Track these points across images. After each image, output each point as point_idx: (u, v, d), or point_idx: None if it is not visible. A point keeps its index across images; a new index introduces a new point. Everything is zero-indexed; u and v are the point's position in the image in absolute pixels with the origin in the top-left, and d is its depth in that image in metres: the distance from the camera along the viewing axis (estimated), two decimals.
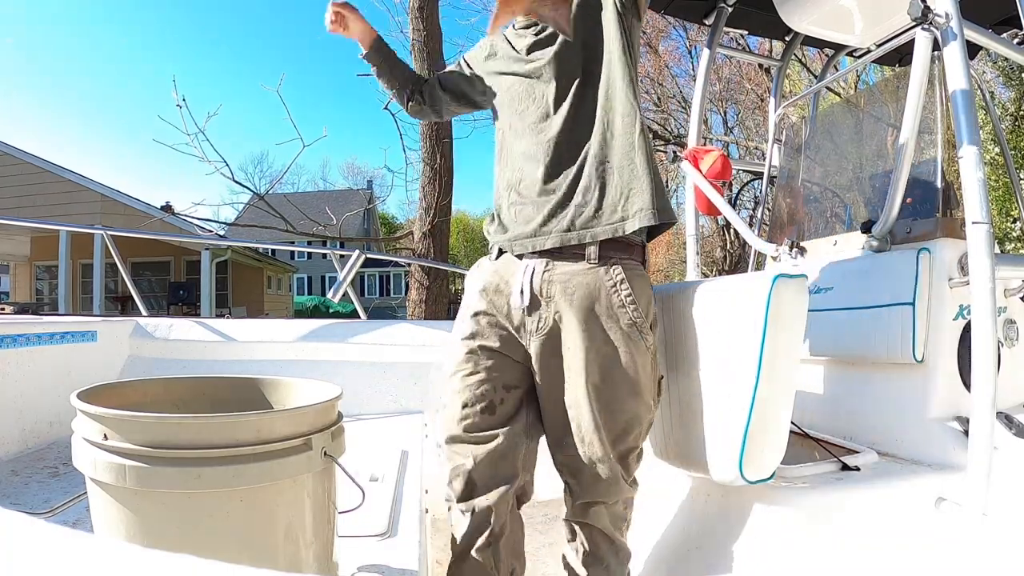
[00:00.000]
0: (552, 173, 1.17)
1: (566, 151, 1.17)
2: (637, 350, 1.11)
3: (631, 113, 1.16)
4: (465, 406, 1.14)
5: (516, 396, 1.18)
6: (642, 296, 1.13)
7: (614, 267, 1.12)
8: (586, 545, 1.22)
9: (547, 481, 1.27)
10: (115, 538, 0.69)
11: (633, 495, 1.22)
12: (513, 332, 1.17)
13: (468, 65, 1.40)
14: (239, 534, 0.71)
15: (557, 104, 1.19)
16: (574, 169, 1.16)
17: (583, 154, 1.16)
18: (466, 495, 1.12)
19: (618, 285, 1.11)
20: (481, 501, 1.12)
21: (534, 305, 1.14)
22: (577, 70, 1.19)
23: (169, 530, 0.69)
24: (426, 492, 1.58)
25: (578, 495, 1.20)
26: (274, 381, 0.98)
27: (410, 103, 1.47)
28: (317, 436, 0.77)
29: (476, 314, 1.20)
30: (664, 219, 1.13)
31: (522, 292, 1.14)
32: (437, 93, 1.44)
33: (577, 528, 1.23)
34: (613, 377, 1.10)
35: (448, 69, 1.45)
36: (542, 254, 1.15)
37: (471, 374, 1.16)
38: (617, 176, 1.14)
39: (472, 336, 1.18)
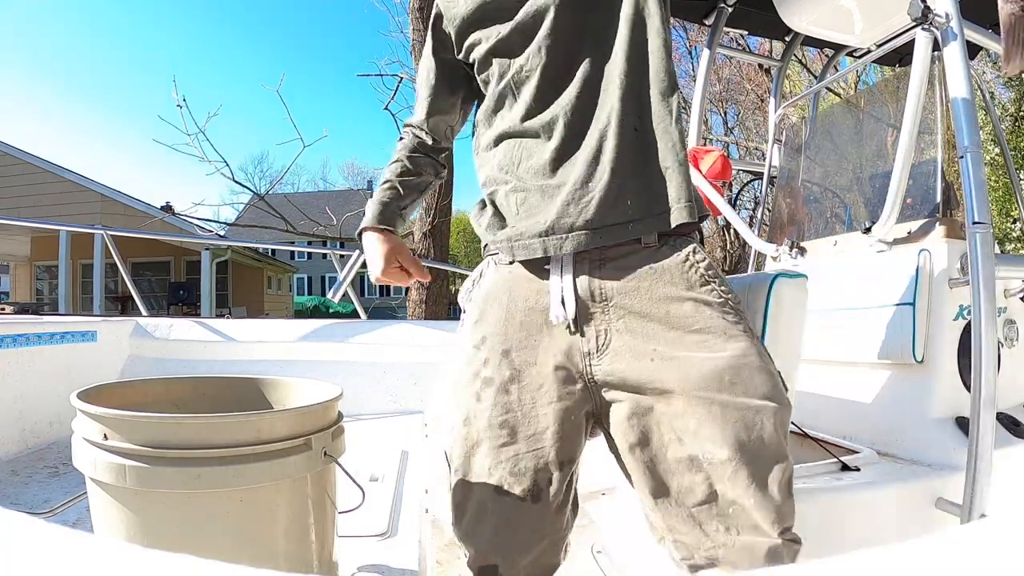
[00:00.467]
0: (572, 149, 0.83)
1: (588, 122, 0.84)
2: (744, 333, 0.78)
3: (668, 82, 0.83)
4: (500, 491, 0.80)
5: (570, 471, 0.83)
6: (719, 274, 0.82)
7: (681, 242, 0.82)
8: None
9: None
10: (115, 538, 0.69)
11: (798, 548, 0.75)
12: (565, 363, 0.81)
13: (445, 39, 1.00)
14: (239, 534, 0.71)
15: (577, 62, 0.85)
16: (609, 144, 0.81)
17: (612, 125, 0.81)
18: None
19: (693, 259, 0.80)
20: None
21: (589, 317, 0.80)
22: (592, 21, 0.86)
23: (169, 530, 0.69)
24: (426, 492, 1.58)
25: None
26: (274, 381, 0.98)
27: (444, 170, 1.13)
28: (317, 436, 0.77)
29: (507, 351, 0.83)
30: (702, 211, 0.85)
31: (563, 302, 0.80)
32: (446, 135, 1.09)
33: None
34: (731, 376, 0.74)
35: (428, 93, 1.05)
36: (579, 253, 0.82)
37: (505, 445, 0.81)
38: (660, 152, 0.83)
39: (507, 385, 0.82)
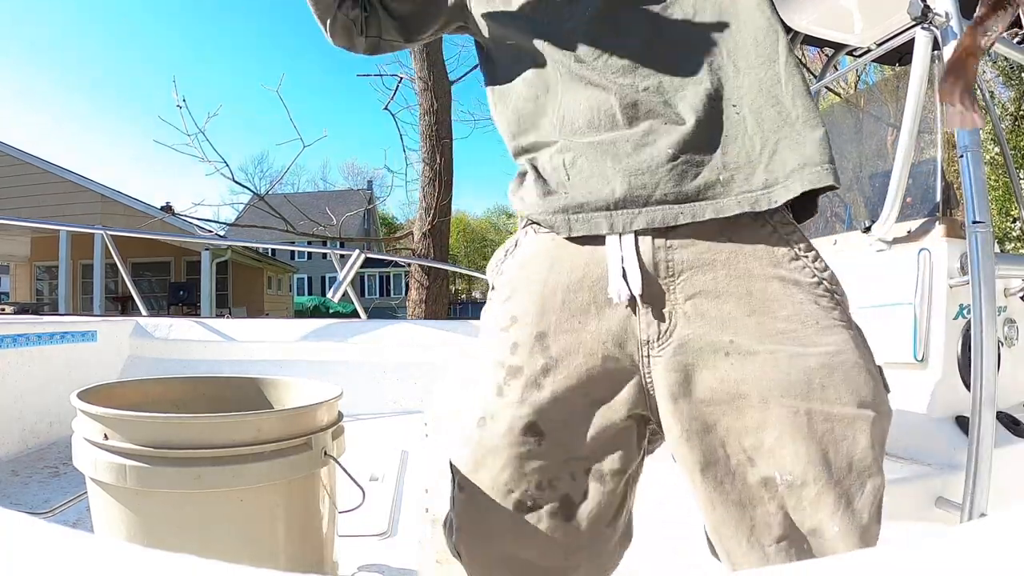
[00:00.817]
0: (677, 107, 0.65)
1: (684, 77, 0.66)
2: (841, 322, 0.63)
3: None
4: (520, 507, 0.64)
5: (617, 485, 0.66)
6: (812, 247, 0.66)
7: (775, 216, 0.64)
8: None
9: None
10: (115, 538, 0.69)
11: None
12: (617, 353, 0.64)
13: None
14: (239, 534, 0.71)
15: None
16: (700, 103, 0.65)
17: (707, 85, 0.66)
18: None
19: (789, 239, 0.64)
20: None
21: (650, 296, 0.62)
22: None
23: (169, 530, 0.69)
24: (426, 492, 1.58)
25: None
26: (274, 381, 0.98)
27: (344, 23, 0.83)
28: (317, 436, 0.77)
29: (542, 335, 0.65)
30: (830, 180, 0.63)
31: (626, 274, 0.62)
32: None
33: None
34: (823, 378, 0.60)
35: None
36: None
37: (530, 456, 0.64)
38: (753, 120, 0.65)
39: (539, 378, 0.64)
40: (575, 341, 0.64)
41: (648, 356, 0.63)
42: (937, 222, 1.58)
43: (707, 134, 0.64)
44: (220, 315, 11.50)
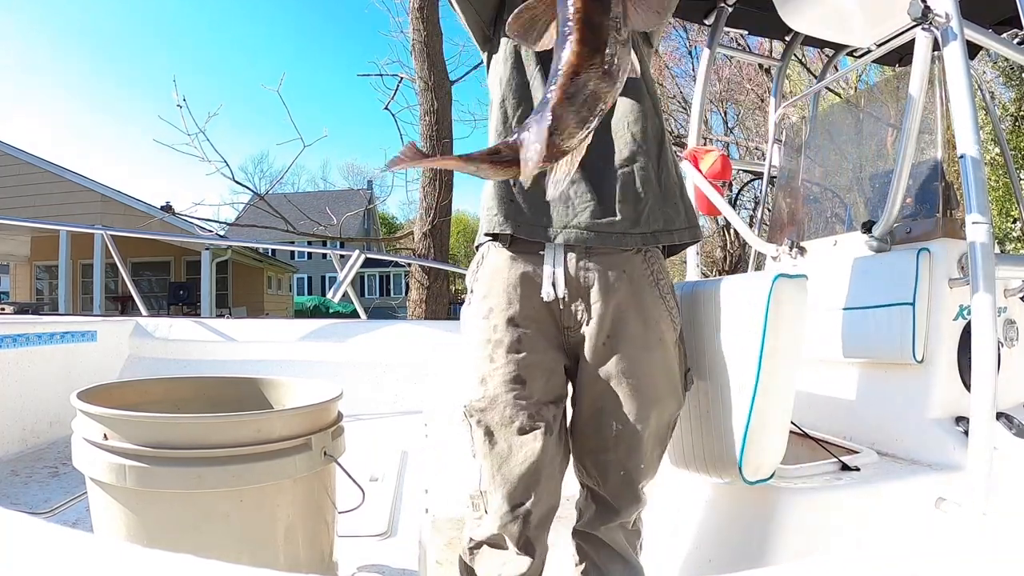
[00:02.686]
0: (616, 151, 1.03)
1: (624, 131, 1.04)
2: (674, 341, 1.06)
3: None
4: (522, 431, 0.99)
5: (564, 405, 1.07)
6: (671, 286, 1.09)
7: (650, 254, 1.05)
8: (600, 568, 1.07)
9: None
10: (115, 538, 0.69)
11: (643, 510, 1.11)
12: (553, 329, 1.04)
13: None
14: (239, 534, 0.71)
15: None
16: (638, 154, 1.03)
17: (637, 141, 1.03)
18: (523, 539, 1.01)
19: (657, 273, 1.05)
20: (539, 537, 1.04)
21: (573, 296, 1.01)
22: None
23: (169, 530, 0.69)
24: (426, 492, 1.58)
25: (596, 505, 1.08)
26: (274, 381, 0.98)
27: None
28: (317, 436, 0.77)
29: (512, 318, 1.02)
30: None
31: (554, 283, 1.00)
32: None
33: (587, 548, 1.10)
34: (656, 371, 1.02)
35: None
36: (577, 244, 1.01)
37: (520, 396, 1.00)
38: (665, 177, 1.06)
39: (515, 345, 1.00)
40: (533, 320, 1.01)
41: (569, 335, 1.03)
42: (937, 222, 1.58)
43: (614, 189, 1.01)
44: (220, 315, 11.50)
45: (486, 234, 1.07)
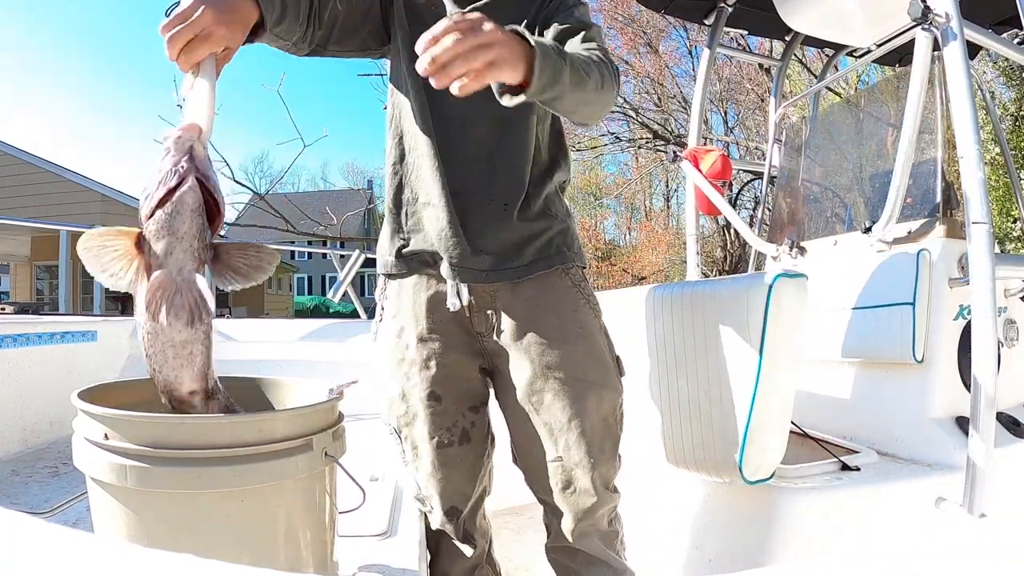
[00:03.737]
0: (508, 183, 1.00)
1: (517, 159, 1.01)
2: (598, 328, 1.04)
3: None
4: (441, 445, 1.04)
5: (485, 411, 1.10)
6: (584, 276, 1.09)
7: (572, 271, 1.06)
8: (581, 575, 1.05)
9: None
10: (115, 537, 0.69)
11: (617, 504, 1.07)
12: (466, 338, 1.04)
13: None
14: (240, 534, 0.71)
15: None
16: (536, 186, 1.02)
17: (531, 169, 1.02)
18: (461, 533, 1.10)
19: (565, 265, 1.04)
20: (474, 526, 1.12)
21: (480, 302, 1.02)
22: None
23: (170, 530, 0.69)
24: None
25: (559, 515, 1.04)
26: (275, 381, 0.98)
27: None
28: (318, 436, 0.77)
29: (421, 336, 1.03)
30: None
31: (459, 293, 1.00)
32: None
33: (564, 560, 1.08)
34: (584, 360, 1.00)
35: None
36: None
37: (436, 412, 1.03)
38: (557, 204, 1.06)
39: (427, 362, 1.02)
40: (443, 335, 1.03)
41: (482, 340, 1.04)
42: (937, 222, 1.58)
43: (484, 223, 0.99)
44: (220, 315, 11.46)
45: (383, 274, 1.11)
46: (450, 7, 1.02)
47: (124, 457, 0.67)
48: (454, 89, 0.69)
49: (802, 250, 1.92)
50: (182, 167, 0.68)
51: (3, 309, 3.84)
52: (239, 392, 0.98)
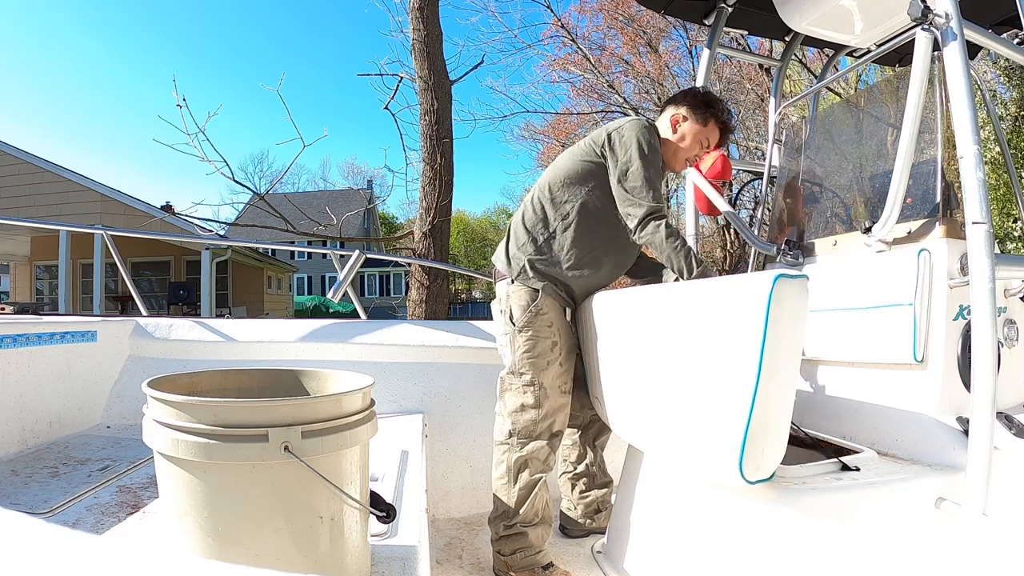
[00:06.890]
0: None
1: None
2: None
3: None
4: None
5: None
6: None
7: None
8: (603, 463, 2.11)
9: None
10: (183, 504, 0.78)
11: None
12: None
13: None
14: (292, 498, 0.80)
15: None
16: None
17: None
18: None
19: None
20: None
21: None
22: None
23: (232, 498, 0.78)
24: (425, 492, 1.57)
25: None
26: (312, 372, 1.09)
27: None
28: (358, 416, 0.87)
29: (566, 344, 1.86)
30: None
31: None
32: None
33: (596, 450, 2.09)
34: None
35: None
36: None
37: (566, 372, 1.84)
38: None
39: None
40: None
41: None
42: (937, 222, 1.58)
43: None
44: (220, 315, 11.50)
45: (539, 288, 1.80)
46: None
47: (192, 436, 0.77)
48: None
49: (802, 250, 1.92)
50: None
51: (3, 309, 3.83)
52: (278, 381, 1.07)
